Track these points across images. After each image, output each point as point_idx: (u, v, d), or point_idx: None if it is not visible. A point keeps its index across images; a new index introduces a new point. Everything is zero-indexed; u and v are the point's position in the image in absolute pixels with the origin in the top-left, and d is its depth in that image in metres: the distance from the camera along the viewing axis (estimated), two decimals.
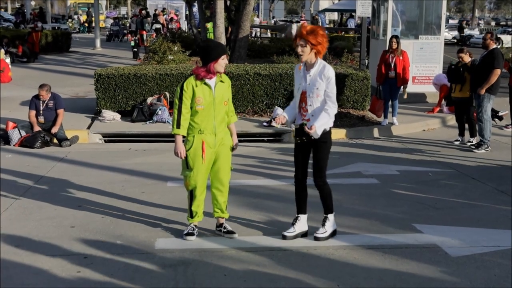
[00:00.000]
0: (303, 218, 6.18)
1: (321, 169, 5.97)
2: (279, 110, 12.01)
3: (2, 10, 59.40)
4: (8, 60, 18.47)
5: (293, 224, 6.18)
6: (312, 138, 5.84)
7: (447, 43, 36.70)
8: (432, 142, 11.25)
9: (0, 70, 15.09)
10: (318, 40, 5.71)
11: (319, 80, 5.79)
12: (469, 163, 9.54)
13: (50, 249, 5.80)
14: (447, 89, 11.62)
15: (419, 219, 6.74)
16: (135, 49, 24.83)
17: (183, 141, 5.94)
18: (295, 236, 6.10)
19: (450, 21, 57.54)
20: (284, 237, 6.10)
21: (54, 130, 10.72)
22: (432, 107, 13.86)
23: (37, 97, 10.93)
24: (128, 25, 32.69)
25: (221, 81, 5.94)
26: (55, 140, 10.77)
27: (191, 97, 5.82)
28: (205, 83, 5.85)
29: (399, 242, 6.02)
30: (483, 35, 10.68)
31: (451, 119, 12.59)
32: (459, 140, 11.09)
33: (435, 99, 14.25)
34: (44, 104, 10.88)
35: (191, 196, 6.07)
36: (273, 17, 43.74)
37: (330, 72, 5.81)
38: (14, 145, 10.48)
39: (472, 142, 10.83)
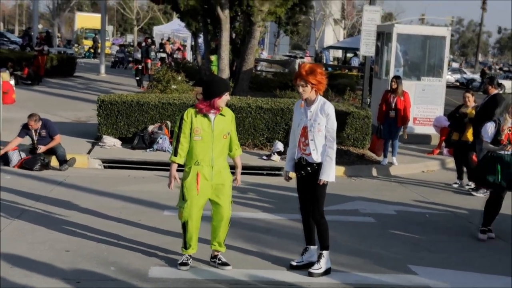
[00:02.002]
0: (311, 249, 6.29)
1: (318, 203, 6.06)
2: (279, 144, 12.05)
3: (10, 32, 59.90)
4: (12, 82, 18.56)
5: (302, 254, 6.31)
6: (310, 171, 5.99)
7: (450, 86, 36.94)
8: (431, 184, 11.25)
9: (4, 92, 15.14)
10: (317, 79, 5.90)
11: (320, 115, 5.95)
12: (467, 207, 9.52)
13: (43, 272, 5.79)
14: (447, 131, 11.67)
15: (414, 260, 6.73)
16: (137, 77, 24.97)
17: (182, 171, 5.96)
18: (302, 266, 6.19)
19: (453, 64, 57.96)
20: (291, 267, 6.22)
21: (41, 150, 10.66)
22: (432, 149, 13.89)
23: (27, 127, 10.83)
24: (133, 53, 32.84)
25: (222, 114, 5.99)
26: (54, 163, 10.77)
27: (190, 127, 5.89)
28: (205, 115, 5.93)
29: (391, 283, 6.01)
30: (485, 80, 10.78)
31: (451, 162, 12.61)
32: (457, 183, 11.10)
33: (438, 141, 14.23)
34: (37, 134, 10.84)
35: (184, 228, 6.07)
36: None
37: (330, 109, 5.98)
38: (13, 167, 10.49)
39: (470, 185, 10.83)
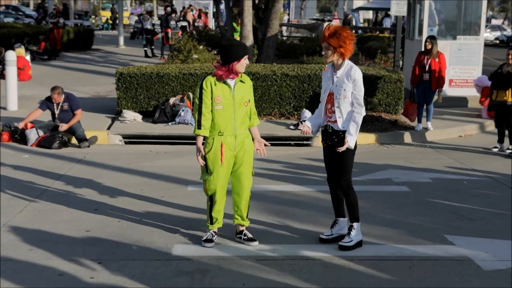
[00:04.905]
0: (341, 221, 6.08)
1: (345, 172, 5.84)
2: (307, 113, 11.71)
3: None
4: (28, 58, 18.44)
5: (331, 227, 6.11)
6: (336, 140, 5.77)
7: (489, 44, 35.91)
8: (469, 148, 10.85)
9: (20, 68, 14.99)
10: (340, 43, 5.65)
11: (346, 81, 5.71)
12: (507, 172, 9.12)
13: (64, 253, 5.68)
14: (488, 91, 11.15)
15: (451, 230, 6.45)
16: (152, 47, 24.84)
17: (204, 143, 5.78)
18: (332, 240, 6.00)
19: (493, 21, 56.31)
20: (321, 240, 6.04)
21: (63, 128, 10.44)
22: (471, 112, 13.34)
23: (49, 99, 10.68)
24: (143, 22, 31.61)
25: (241, 81, 5.80)
26: (73, 141, 10.59)
27: (211, 97, 5.68)
28: (225, 82, 5.73)
29: (428, 254, 5.76)
30: None
31: (490, 125, 12.18)
32: (497, 147, 10.63)
33: (476, 103, 13.69)
34: (59, 107, 10.63)
35: (211, 201, 5.92)
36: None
37: (357, 74, 5.71)
38: (31, 145, 10.32)
39: (511, 149, 10.36)
